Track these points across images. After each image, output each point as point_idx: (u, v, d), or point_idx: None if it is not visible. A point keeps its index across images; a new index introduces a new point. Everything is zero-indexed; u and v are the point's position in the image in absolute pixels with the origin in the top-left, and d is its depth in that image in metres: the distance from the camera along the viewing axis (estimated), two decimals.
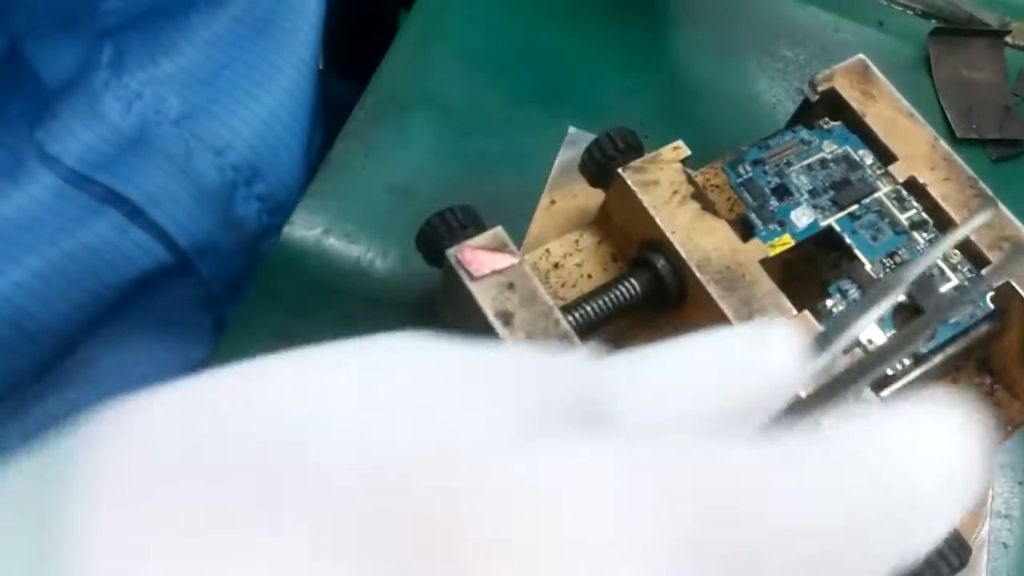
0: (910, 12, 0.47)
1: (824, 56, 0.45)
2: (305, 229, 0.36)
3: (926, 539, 0.13)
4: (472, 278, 0.28)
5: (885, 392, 0.30)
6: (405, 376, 0.13)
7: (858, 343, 0.30)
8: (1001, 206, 0.33)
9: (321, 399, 0.12)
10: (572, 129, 0.40)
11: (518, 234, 0.37)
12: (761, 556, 0.11)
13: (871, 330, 0.30)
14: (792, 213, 0.32)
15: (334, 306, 0.34)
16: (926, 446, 0.13)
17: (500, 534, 0.10)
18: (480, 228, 0.30)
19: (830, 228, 0.32)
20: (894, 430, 0.13)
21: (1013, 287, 0.31)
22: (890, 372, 0.30)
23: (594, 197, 0.35)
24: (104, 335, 0.36)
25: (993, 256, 0.31)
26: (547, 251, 0.34)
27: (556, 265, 0.34)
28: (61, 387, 0.36)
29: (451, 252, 0.29)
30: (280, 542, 0.10)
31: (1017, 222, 0.32)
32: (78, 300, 0.34)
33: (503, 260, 0.29)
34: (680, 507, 0.11)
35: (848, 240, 0.32)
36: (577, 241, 0.35)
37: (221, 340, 0.33)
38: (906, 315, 0.31)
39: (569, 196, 0.38)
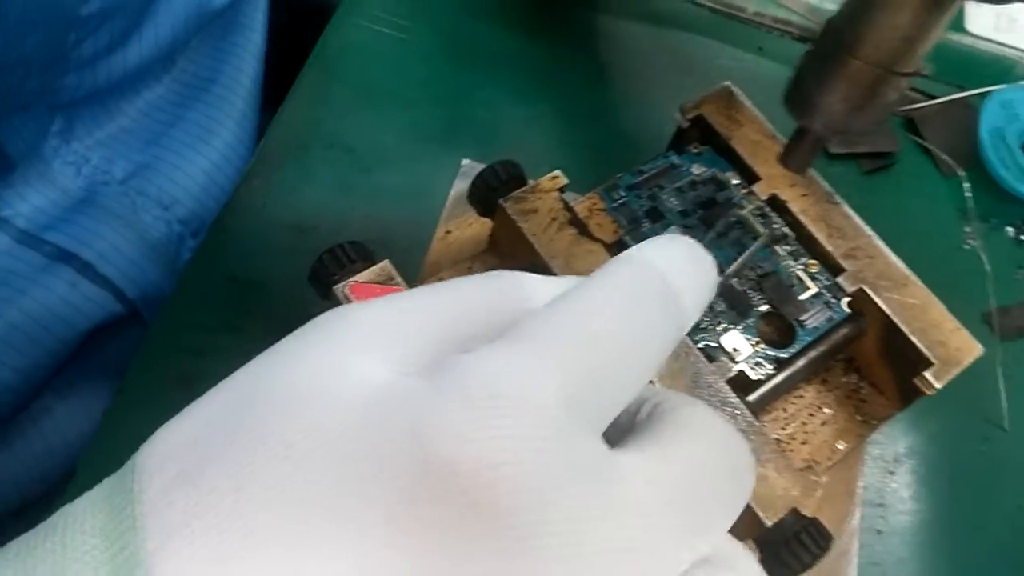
0: (787, 37, 0.50)
1: (706, 82, 0.47)
2: (207, 270, 0.37)
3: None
4: None
5: (752, 396, 0.32)
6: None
7: (725, 352, 0.32)
8: (859, 221, 0.35)
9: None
10: (465, 161, 0.42)
11: (416, 264, 0.39)
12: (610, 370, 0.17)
13: (736, 339, 0.32)
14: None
15: (234, 345, 0.35)
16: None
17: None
18: (370, 262, 0.32)
19: None
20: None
21: (866, 292, 0.33)
22: (755, 377, 0.32)
23: (487, 226, 0.37)
24: (55, 385, 0.37)
25: (848, 265, 0.34)
26: (440, 279, 0.36)
27: None
28: (13, 443, 0.36)
29: (339, 287, 0.30)
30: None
31: (868, 230, 0.34)
32: (35, 356, 0.35)
33: (390, 292, 0.31)
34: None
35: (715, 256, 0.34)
36: (470, 268, 0.37)
37: (123, 383, 0.34)
38: (772, 322, 0.33)
39: (464, 226, 0.40)
